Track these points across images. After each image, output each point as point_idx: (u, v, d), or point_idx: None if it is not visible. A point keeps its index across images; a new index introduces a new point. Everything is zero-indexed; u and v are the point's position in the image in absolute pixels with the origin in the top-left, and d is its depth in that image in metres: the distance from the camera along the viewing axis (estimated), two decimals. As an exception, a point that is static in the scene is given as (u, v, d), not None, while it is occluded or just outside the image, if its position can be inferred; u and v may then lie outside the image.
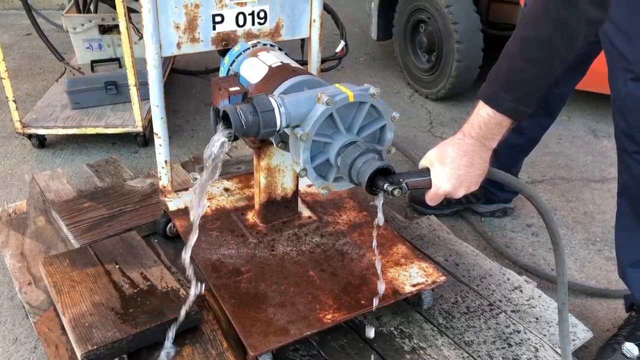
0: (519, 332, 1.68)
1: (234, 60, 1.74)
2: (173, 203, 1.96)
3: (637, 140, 1.60)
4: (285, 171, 1.82)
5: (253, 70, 1.66)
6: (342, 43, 2.09)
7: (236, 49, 1.77)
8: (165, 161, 1.93)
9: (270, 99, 1.34)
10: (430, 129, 3.09)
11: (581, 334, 1.68)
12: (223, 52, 1.85)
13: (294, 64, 1.66)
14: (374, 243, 1.48)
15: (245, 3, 1.81)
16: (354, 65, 3.91)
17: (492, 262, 1.96)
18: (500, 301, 1.79)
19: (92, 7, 3.11)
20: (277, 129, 1.35)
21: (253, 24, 1.85)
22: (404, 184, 1.26)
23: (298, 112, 1.36)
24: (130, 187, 2.25)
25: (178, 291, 1.67)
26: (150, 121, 2.80)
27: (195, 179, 2.37)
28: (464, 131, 1.27)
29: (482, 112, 1.23)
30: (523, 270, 2.07)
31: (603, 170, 2.73)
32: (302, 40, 2.19)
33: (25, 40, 4.27)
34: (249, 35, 1.86)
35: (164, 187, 1.98)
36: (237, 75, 1.71)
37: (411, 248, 1.81)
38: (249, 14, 1.83)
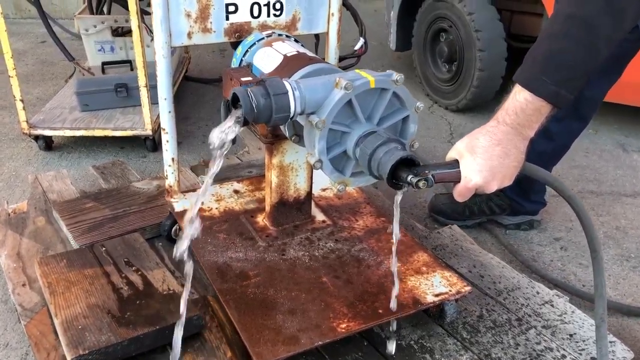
0: (551, 349, 1.53)
1: (247, 51, 1.64)
2: (179, 204, 1.85)
3: None
4: (298, 170, 1.70)
5: (267, 59, 1.55)
6: (361, 40, 1.99)
7: (249, 39, 1.67)
8: (172, 159, 1.82)
9: (284, 81, 1.23)
10: (450, 139, 2.97)
11: (621, 353, 1.53)
12: (235, 45, 1.75)
13: (311, 54, 1.56)
14: (394, 247, 1.34)
15: (261, -8, 1.71)
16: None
17: (519, 274, 1.82)
18: (530, 316, 1.65)
19: (105, 9, 3.05)
20: (291, 114, 1.23)
21: (268, 15, 1.76)
22: (430, 176, 1.14)
23: (314, 98, 1.24)
24: (136, 189, 2.14)
25: (180, 295, 1.54)
26: (160, 125, 2.72)
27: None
28: (497, 118, 1.15)
29: (519, 96, 1.11)
30: (552, 285, 1.92)
31: (635, 185, 2.58)
32: (317, 38, 2.10)
33: (39, 47, 4.24)
34: (264, 28, 1.76)
35: (170, 186, 1.87)
36: (250, 65, 1.61)
37: (433, 256, 1.68)
38: (264, 5, 1.74)
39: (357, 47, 2.00)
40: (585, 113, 1.91)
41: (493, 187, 1.16)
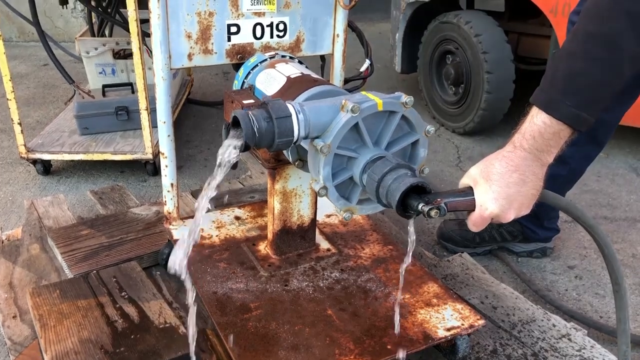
0: (570, 388, 1.44)
1: (249, 73, 1.59)
2: (178, 231, 1.77)
3: None
4: (302, 196, 1.63)
5: (270, 81, 1.49)
6: (367, 62, 1.93)
7: (252, 60, 1.61)
8: (172, 184, 1.76)
9: (288, 104, 1.17)
10: (458, 163, 2.89)
11: (645, 392, 1.44)
12: (237, 67, 1.70)
13: (315, 75, 1.50)
14: (401, 280, 1.27)
15: (264, 13, 1.66)
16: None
17: (534, 306, 1.73)
18: (547, 351, 1.55)
19: (106, 32, 3.01)
20: (295, 139, 1.17)
21: (271, 36, 1.70)
22: (442, 205, 1.07)
23: (319, 121, 1.18)
24: (134, 215, 2.07)
25: (178, 328, 1.47)
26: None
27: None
28: (514, 143, 1.08)
29: (537, 119, 1.05)
30: (568, 316, 1.82)
31: (650, 210, 2.51)
32: (323, 60, 2.04)
33: (41, 70, 4.22)
34: (267, 49, 1.70)
35: (169, 213, 1.80)
36: (252, 88, 1.55)
37: (444, 287, 1.59)
38: (267, 26, 1.68)
39: (362, 68, 1.93)
40: (601, 137, 1.84)
41: (510, 217, 1.08)
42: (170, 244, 1.80)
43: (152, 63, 2.67)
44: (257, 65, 1.59)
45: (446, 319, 1.47)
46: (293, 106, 1.17)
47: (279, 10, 1.68)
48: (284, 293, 1.55)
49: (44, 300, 1.58)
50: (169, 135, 1.71)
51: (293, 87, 1.42)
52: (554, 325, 1.64)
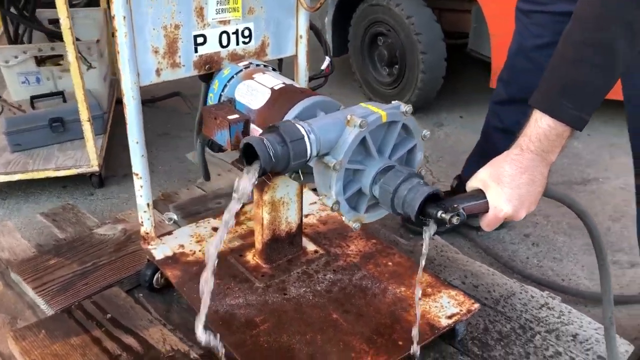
0: (560, 354, 1.57)
1: (225, 85, 1.55)
2: (159, 250, 1.73)
3: None
4: (289, 204, 1.63)
5: (252, 94, 1.47)
6: (327, 60, 1.94)
7: (226, 72, 1.58)
8: (148, 204, 1.70)
9: (298, 125, 1.17)
10: (401, 143, 2.98)
11: (622, 347, 1.59)
12: (204, 77, 1.65)
13: (297, 85, 1.49)
14: (417, 291, 1.32)
15: (229, 21, 1.62)
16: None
17: (510, 280, 1.85)
18: (531, 322, 1.68)
19: (25, 38, 2.79)
20: (308, 159, 1.18)
21: (237, 43, 1.67)
22: (460, 210, 1.12)
23: (327, 138, 1.19)
24: (100, 236, 1.98)
25: (188, 354, 1.44)
26: (104, 159, 2.54)
27: (171, 219, 2.13)
28: (520, 145, 1.15)
29: (541, 123, 1.12)
30: (536, 284, 1.97)
31: (582, 172, 2.72)
32: (280, 59, 2.03)
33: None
34: (234, 57, 1.67)
35: (147, 233, 1.74)
36: (232, 101, 1.52)
37: (434, 275, 1.67)
38: (232, 33, 1.65)
39: (323, 66, 1.94)
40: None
41: (522, 215, 1.15)
42: (151, 264, 1.75)
43: (87, 69, 2.53)
44: (232, 77, 1.55)
45: (444, 307, 1.55)
46: (303, 127, 1.17)
47: (243, 16, 1.64)
48: (285, 302, 1.56)
49: (32, 343, 1.49)
50: (142, 155, 1.65)
51: (281, 100, 1.41)
52: (532, 297, 1.77)
